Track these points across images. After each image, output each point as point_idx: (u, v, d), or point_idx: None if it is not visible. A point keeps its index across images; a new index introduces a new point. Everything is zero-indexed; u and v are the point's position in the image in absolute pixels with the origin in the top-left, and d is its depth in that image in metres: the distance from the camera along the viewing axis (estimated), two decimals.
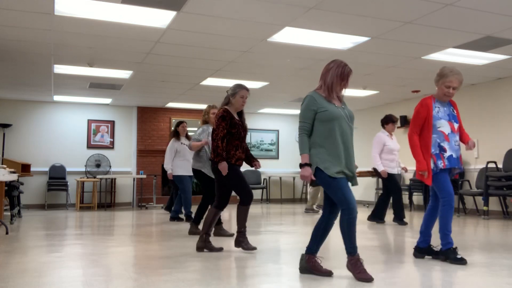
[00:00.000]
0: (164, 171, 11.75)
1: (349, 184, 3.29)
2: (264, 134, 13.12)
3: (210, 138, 5.66)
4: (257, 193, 12.57)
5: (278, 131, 13.37)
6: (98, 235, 5.74)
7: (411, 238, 5.45)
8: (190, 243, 4.98)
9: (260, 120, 13.10)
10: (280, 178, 13.14)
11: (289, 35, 6.00)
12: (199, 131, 5.83)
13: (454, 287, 3.05)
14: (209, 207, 5.75)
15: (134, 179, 11.55)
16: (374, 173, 7.28)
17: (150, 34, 5.96)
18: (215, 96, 10.16)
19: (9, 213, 7.59)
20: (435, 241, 4.13)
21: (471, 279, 3.27)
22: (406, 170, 7.39)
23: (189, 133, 7.64)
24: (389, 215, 7.68)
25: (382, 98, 10.54)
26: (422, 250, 4.06)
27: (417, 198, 10.25)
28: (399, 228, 6.52)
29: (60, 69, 7.82)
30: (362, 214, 8.39)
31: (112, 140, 11.63)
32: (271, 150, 13.23)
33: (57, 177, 10.84)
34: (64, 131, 11.20)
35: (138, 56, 7.04)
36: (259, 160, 5.13)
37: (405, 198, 9.69)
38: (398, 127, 7.38)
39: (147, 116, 11.99)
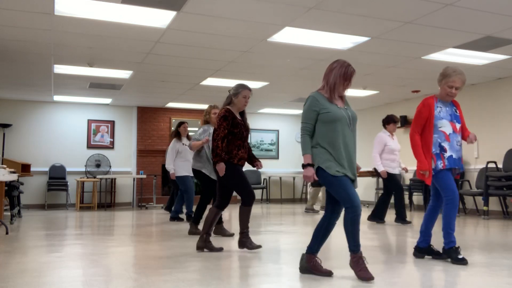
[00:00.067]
0: (164, 171, 11.79)
1: None
2: (264, 134, 13.13)
3: (211, 139, 5.66)
4: (257, 193, 12.57)
5: (278, 131, 13.38)
6: (98, 235, 5.74)
7: (411, 238, 5.45)
8: (190, 243, 4.98)
9: (260, 120, 13.10)
10: (280, 178, 13.14)
11: (289, 35, 6.00)
12: (199, 131, 5.82)
13: (454, 287, 3.05)
14: (210, 207, 5.77)
15: (134, 179, 11.55)
16: (375, 173, 7.28)
17: (150, 34, 5.96)
18: (215, 96, 10.16)
19: (9, 213, 7.59)
20: (435, 241, 4.13)
21: (471, 279, 3.27)
22: (406, 171, 7.38)
23: (190, 133, 7.64)
24: (390, 216, 7.68)
25: (382, 98, 10.54)
26: (422, 250, 4.05)
27: (417, 198, 10.25)
28: (399, 228, 6.51)
29: (60, 69, 7.82)
30: (362, 214, 8.39)
31: (112, 140, 11.63)
32: (271, 150, 13.24)
33: (57, 177, 10.84)
34: (64, 131, 11.20)
35: (138, 56, 7.04)
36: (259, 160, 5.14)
37: (405, 198, 9.67)
38: (398, 127, 7.36)
39: (147, 116, 11.99)
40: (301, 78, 8.53)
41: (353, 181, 3.30)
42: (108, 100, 11.01)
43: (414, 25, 5.57)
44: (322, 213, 9.10)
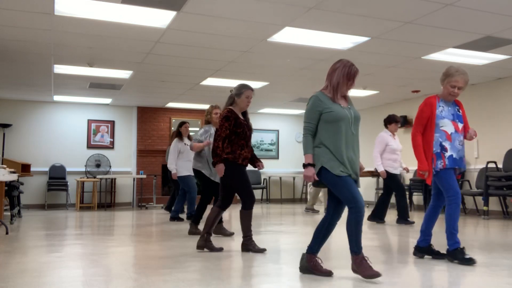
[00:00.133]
0: (164, 171, 11.79)
1: None
2: (264, 134, 13.13)
3: (211, 139, 5.65)
4: (257, 193, 12.57)
5: (278, 131, 13.38)
6: (98, 235, 5.74)
7: (411, 238, 5.45)
8: (190, 243, 4.98)
9: (260, 120, 13.10)
10: (280, 178, 13.14)
11: (289, 35, 6.00)
12: (200, 132, 5.80)
13: (454, 287, 3.05)
14: (210, 207, 5.77)
15: (134, 179, 11.55)
16: (376, 173, 7.25)
17: (150, 34, 5.96)
18: (215, 96, 10.16)
19: (9, 213, 7.59)
20: (435, 241, 4.12)
21: (471, 279, 3.27)
22: (407, 171, 7.36)
23: (190, 134, 7.64)
24: (390, 216, 7.68)
25: (382, 98, 10.54)
26: (422, 250, 4.05)
27: (417, 198, 10.25)
28: (399, 228, 6.51)
29: (60, 69, 7.82)
30: None
31: (112, 140, 11.63)
32: (271, 150, 13.24)
33: (57, 177, 10.84)
34: (64, 131, 11.20)
35: (138, 56, 7.04)
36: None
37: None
38: (398, 127, 7.32)
39: (147, 116, 11.99)
40: (301, 78, 8.53)
41: (356, 181, 3.29)
42: (108, 100, 11.01)
43: (414, 25, 5.57)
44: (322, 213, 9.11)
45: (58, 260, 4.00)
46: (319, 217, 8.34)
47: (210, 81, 8.77)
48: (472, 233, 5.90)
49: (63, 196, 10.98)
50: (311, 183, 3.38)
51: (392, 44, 6.38)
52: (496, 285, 3.04)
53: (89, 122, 11.45)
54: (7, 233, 5.81)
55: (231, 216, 8.29)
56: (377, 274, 3.08)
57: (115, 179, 11.15)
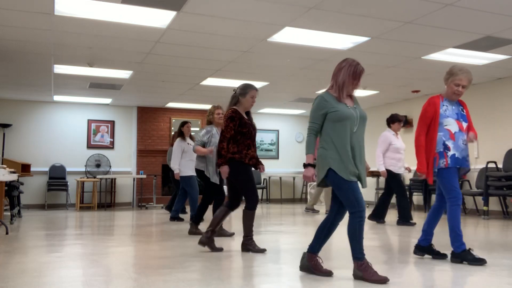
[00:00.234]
0: (164, 171, 11.81)
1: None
2: (264, 134, 13.12)
3: (213, 139, 5.64)
4: None
5: (278, 131, 13.38)
6: (98, 235, 5.74)
7: (411, 238, 5.45)
8: (190, 243, 4.98)
9: (260, 120, 13.09)
10: (280, 178, 13.14)
11: (289, 35, 6.00)
12: (202, 133, 5.76)
13: (454, 287, 3.05)
14: (211, 207, 5.76)
15: (134, 179, 11.55)
16: (376, 172, 7.22)
17: (150, 34, 5.96)
18: (215, 96, 10.17)
19: (9, 213, 7.59)
20: (435, 241, 4.12)
21: (471, 279, 3.26)
22: (409, 170, 7.34)
23: (191, 133, 7.61)
24: (391, 216, 7.68)
25: (382, 98, 10.54)
26: (423, 249, 4.04)
27: (417, 198, 10.24)
28: (399, 228, 6.51)
29: (60, 69, 7.82)
30: None
31: (112, 140, 11.63)
32: (271, 150, 13.24)
33: (57, 177, 10.84)
34: (64, 131, 11.20)
35: (138, 56, 7.04)
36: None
37: None
38: (401, 126, 7.27)
39: (147, 116, 11.99)
40: (301, 78, 8.53)
41: (361, 181, 3.26)
42: (108, 100, 11.01)
43: (414, 25, 5.57)
44: (322, 213, 9.11)
45: (58, 260, 4.00)
46: (319, 217, 8.34)
47: (210, 81, 8.77)
48: (472, 233, 5.90)
49: (63, 196, 10.98)
50: (312, 183, 3.39)
51: (392, 44, 6.38)
52: (496, 285, 3.03)
53: (89, 122, 11.45)
54: (7, 233, 5.81)
55: (231, 216, 8.29)
56: (386, 280, 3.06)
57: (115, 179, 11.15)
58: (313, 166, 3.25)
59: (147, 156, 11.86)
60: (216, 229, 4.52)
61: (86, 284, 3.08)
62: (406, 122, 10.48)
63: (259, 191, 12.72)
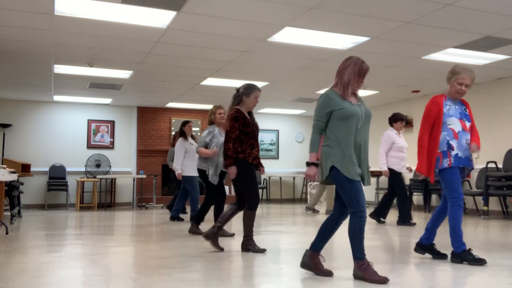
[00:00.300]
0: (164, 171, 11.80)
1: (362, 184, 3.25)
2: (264, 134, 13.12)
3: (215, 139, 5.63)
4: None
5: (278, 131, 13.38)
6: (98, 235, 5.74)
7: (411, 238, 5.45)
8: (190, 243, 4.98)
9: (260, 120, 12.94)
10: (280, 178, 13.14)
11: (289, 35, 6.00)
12: (205, 133, 5.73)
13: (454, 287, 3.05)
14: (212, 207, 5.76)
15: (134, 179, 11.55)
16: (376, 172, 7.18)
17: (150, 34, 5.96)
18: (215, 96, 10.16)
19: (9, 213, 7.59)
20: (437, 241, 4.11)
21: (471, 279, 3.27)
22: (410, 170, 7.33)
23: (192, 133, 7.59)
24: (392, 217, 7.68)
25: (382, 98, 10.55)
26: (424, 247, 4.02)
27: (417, 198, 10.24)
28: (400, 228, 6.51)
29: (60, 69, 7.82)
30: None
31: (112, 140, 11.63)
32: (271, 150, 13.24)
33: (57, 177, 10.83)
34: (64, 131, 11.20)
35: (138, 56, 7.04)
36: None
37: None
38: (403, 125, 7.25)
39: (147, 116, 11.99)
40: (301, 78, 8.53)
41: (364, 179, 3.25)
42: (108, 100, 11.01)
43: (414, 25, 5.57)
44: (322, 213, 9.10)
45: (58, 260, 4.00)
46: (319, 217, 8.34)
47: (210, 81, 8.77)
48: (472, 233, 5.89)
49: (63, 196, 10.98)
50: (312, 183, 3.39)
51: (392, 44, 6.38)
52: (496, 285, 3.03)
53: (89, 122, 11.45)
54: (7, 233, 5.81)
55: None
56: (386, 280, 3.06)
57: (115, 179, 11.15)
58: (316, 165, 3.23)
59: (147, 156, 11.86)
60: (223, 226, 4.55)
61: (86, 284, 3.08)
62: (406, 122, 10.44)
63: (259, 191, 12.70)
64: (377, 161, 7.02)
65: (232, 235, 5.60)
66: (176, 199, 7.77)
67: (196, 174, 7.13)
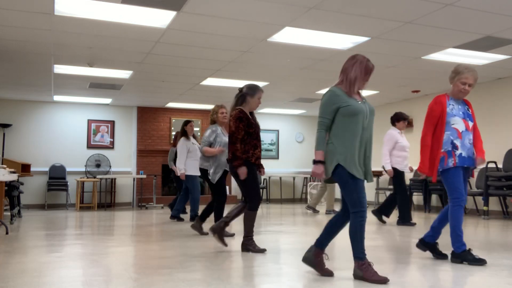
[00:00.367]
0: (164, 171, 11.80)
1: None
2: (264, 134, 13.12)
3: (218, 139, 5.63)
4: None
5: (278, 131, 13.38)
6: (98, 235, 5.74)
7: (411, 238, 5.45)
8: (190, 243, 4.98)
9: (260, 120, 12.90)
10: (280, 178, 13.14)
11: (289, 35, 6.00)
12: (208, 133, 5.71)
13: (454, 287, 3.05)
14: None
15: (134, 179, 11.54)
16: (376, 172, 7.16)
17: (150, 34, 5.96)
18: (215, 96, 10.17)
19: (9, 213, 7.60)
20: (440, 241, 4.11)
21: (471, 279, 3.27)
22: (411, 170, 7.32)
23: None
24: (391, 217, 7.66)
25: (382, 98, 10.55)
26: (427, 245, 4.01)
27: (417, 198, 10.24)
28: (400, 228, 6.51)
29: (60, 69, 7.82)
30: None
31: (112, 140, 11.63)
32: (271, 150, 13.24)
33: (57, 177, 10.83)
34: (64, 131, 11.20)
35: (138, 56, 7.04)
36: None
37: None
38: (406, 125, 7.24)
39: (147, 116, 11.99)
40: (301, 78, 8.53)
41: (368, 174, 3.24)
42: (108, 100, 11.01)
43: (414, 25, 5.57)
44: (323, 214, 9.10)
45: (58, 260, 4.00)
46: (320, 217, 8.34)
47: (210, 81, 8.77)
48: (472, 233, 5.89)
49: (63, 196, 10.98)
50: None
51: (392, 44, 6.38)
52: (496, 285, 3.04)
53: (89, 122, 11.45)
54: (7, 233, 5.81)
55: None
56: (386, 280, 3.06)
57: (115, 179, 11.15)
58: (323, 162, 3.20)
59: (147, 156, 11.86)
60: (230, 222, 4.58)
61: (86, 284, 3.08)
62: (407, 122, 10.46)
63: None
64: (379, 160, 7.00)
65: (232, 235, 5.60)
66: (178, 199, 7.76)
67: (198, 173, 7.13)
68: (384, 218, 7.12)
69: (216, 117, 5.82)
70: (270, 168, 12.97)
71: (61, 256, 4.19)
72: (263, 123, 13.10)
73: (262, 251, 4.40)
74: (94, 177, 10.93)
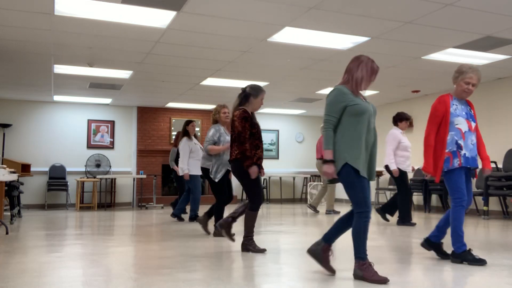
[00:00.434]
0: (165, 171, 11.81)
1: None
2: (264, 134, 13.11)
3: (222, 138, 5.63)
4: None
5: (278, 131, 13.38)
6: (98, 235, 5.74)
7: (411, 238, 5.45)
8: (190, 243, 4.98)
9: (260, 120, 12.93)
10: (280, 178, 13.14)
11: (289, 35, 6.00)
12: (212, 132, 5.71)
13: (454, 287, 3.05)
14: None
15: (134, 179, 11.54)
16: (385, 171, 7.11)
17: (150, 34, 5.96)
18: (215, 96, 10.17)
19: (9, 213, 7.60)
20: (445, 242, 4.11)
21: (471, 279, 3.27)
22: (413, 170, 7.32)
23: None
24: (393, 217, 7.66)
25: (382, 98, 10.55)
26: (432, 244, 4.00)
27: (417, 198, 10.24)
28: (400, 228, 6.50)
29: (60, 69, 7.82)
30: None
31: (112, 140, 11.63)
32: (271, 150, 13.23)
33: (57, 177, 10.83)
34: (64, 131, 11.20)
35: (138, 56, 7.04)
36: None
37: None
38: (408, 125, 7.24)
39: (147, 116, 11.99)
40: (301, 78, 8.53)
41: (371, 174, 3.24)
42: (108, 100, 11.01)
43: (414, 25, 5.57)
44: (323, 214, 9.10)
45: (58, 260, 4.00)
46: (319, 217, 8.34)
47: (210, 81, 8.77)
48: (472, 233, 5.89)
49: (63, 196, 10.98)
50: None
51: (392, 44, 6.38)
52: (496, 285, 3.04)
53: (89, 122, 11.45)
54: (7, 233, 5.81)
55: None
56: (386, 280, 3.06)
57: (115, 179, 11.15)
58: (334, 162, 3.16)
59: (147, 156, 11.86)
60: (236, 218, 4.62)
61: (86, 284, 3.08)
62: None
63: None
64: (380, 160, 6.97)
65: (232, 235, 5.59)
66: (181, 199, 7.75)
67: (199, 173, 7.12)
68: (388, 216, 7.12)
69: (219, 117, 5.82)
70: (270, 168, 12.97)
71: (61, 256, 4.19)
72: (263, 123, 13.10)
73: (262, 251, 4.40)
74: (94, 177, 10.93)
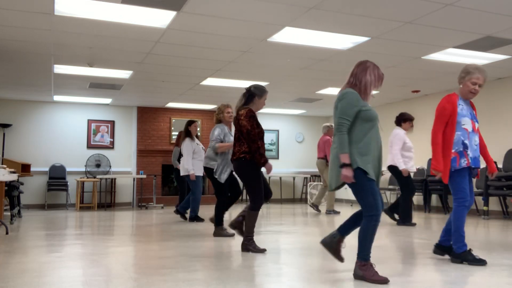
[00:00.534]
0: (165, 171, 11.81)
1: None
2: (264, 134, 13.10)
3: (226, 138, 5.64)
4: None
5: (278, 131, 13.37)
6: (98, 235, 5.74)
7: (412, 238, 5.44)
8: (190, 243, 4.98)
9: (260, 120, 13.00)
10: (280, 178, 13.14)
11: (289, 35, 6.00)
12: (217, 131, 5.71)
13: (454, 287, 3.05)
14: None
15: (134, 179, 11.54)
16: (389, 171, 7.09)
17: (150, 34, 5.96)
18: (215, 96, 10.16)
19: (9, 213, 7.59)
20: (436, 239, 4.12)
21: (471, 279, 3.27)
22: (416, 170, 7.29)
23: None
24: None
25: (382, 98, 10.55)
26: (444, 248, 3.98)
27: (417, 198, 10.24)
28: (400, 228, 6.50)
29: (60, 69, 7.82)
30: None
31: (112, 140, 11.63)
32: (271, 150, 13.23)
33: (57, 177, 10.83)
34: (64, 131, 11.20)
35: (138, 56, 7.04)
36: None
37: None
38: (411, 125, 7.24)
39: (147, 116, 11.99)
40: (301, 78, 8.53)
41: (377, 179, 3.25)
42: (108, 100, 11.01)
43: (414, 25, 5.57)
44: (323, 214, 9.10)
45: (58, 260, 4.00)
46: (319, 217, 8.34)
47: (210, 81, 8.77)
48: (472, 233, 5.89)
49: (63, 196, 10.98)
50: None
51: (392, 44, 6.38)
52: (496, 285, 3.04)
53: (89, 122, 11.45)
54: (7, 233, 5.81)
55: (232, 216, 8.29)
56: (385, 280, 3.06)
57: (115, 179, 11.15)
58: (351, 165, 3.12)
59: (147, 156, 11.86)
60: (243, 216, 4.66)
61: (86, 284, 3.08)
62: None
63: None
64: (394, 159, 6.92)
65: (232, 235, 5.59)
66: (186, 198, 7.74)
67: (201, 173, 7.12)
68: (396, 216, 7.11)
69: (222, 117, 5.83)
70: None
71: (61, 256, 4.19)
72: (263, 123, 13.09)
73: (262, 251, 4.40)
74: (94, 177, 10.93)
